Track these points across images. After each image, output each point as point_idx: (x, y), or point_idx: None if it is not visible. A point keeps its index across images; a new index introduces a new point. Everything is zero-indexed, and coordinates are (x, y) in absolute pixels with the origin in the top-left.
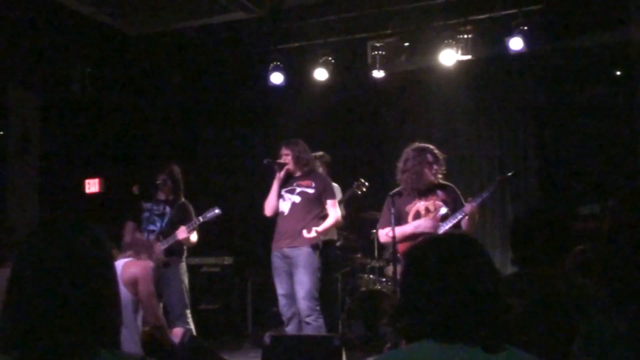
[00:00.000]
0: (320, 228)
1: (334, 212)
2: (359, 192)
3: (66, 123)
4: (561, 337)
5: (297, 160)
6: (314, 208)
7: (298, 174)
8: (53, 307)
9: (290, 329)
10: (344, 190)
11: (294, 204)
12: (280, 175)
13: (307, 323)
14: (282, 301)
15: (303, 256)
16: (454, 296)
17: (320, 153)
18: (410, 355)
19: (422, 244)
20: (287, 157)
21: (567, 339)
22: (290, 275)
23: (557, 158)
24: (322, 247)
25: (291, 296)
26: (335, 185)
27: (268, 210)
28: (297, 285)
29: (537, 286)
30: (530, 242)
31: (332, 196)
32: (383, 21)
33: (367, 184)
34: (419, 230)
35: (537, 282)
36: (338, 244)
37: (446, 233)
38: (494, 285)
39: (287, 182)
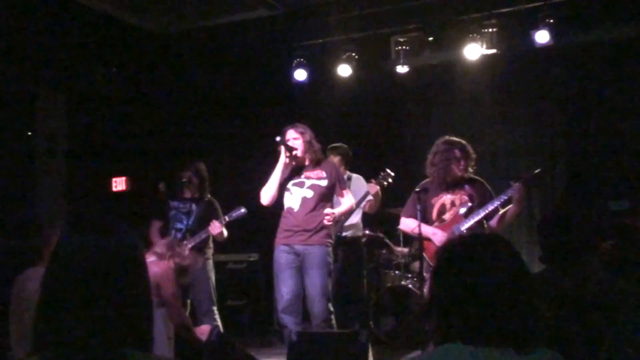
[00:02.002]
0: (337, 211)
1: (349, 198)
2: (385, 184)
3: (93, 122)
4: (592, 334)
5: (308, 145)
6: (327, 203)
7: (306, 162)
8: (86, 309)
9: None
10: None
11: (305, 199)
12: (286, 160)
13: (322, 326)
14: (285, 302)
15: (318, 256)
16: (485, 298)
17: (337, 144)
18: (440, 359)
19: (453, 244)
20: (296, 142)
21: (598, 336)
22: (300, 273)
23: (585, 153)
24: (349, 243)
25: (298, 297)
26: (356, 176)
27: (266, 198)
28: (311, 287)
29: (567, 284)
30: (559, 239)
31: (346, 186)
32: (406, 16)
33: (392, 174)
34: (434, 239)
35: (567, 280)
36: (363, 240)
37: (477, 233)
38: (526, 286)
39: (294, 173)
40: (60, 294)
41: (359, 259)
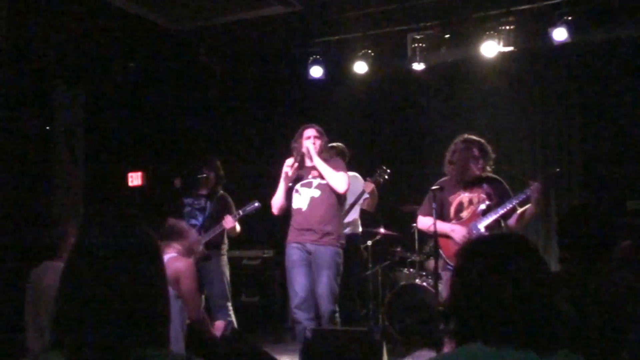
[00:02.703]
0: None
1: (339, 174)
2: (381, 180)
3: (110, 117)
4: (614, 334)
5: (325, 146)
6: (334, 200)
7: (311, 163)
8: (105, 304)
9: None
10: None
11: (313, 199)
12: (290, 173)
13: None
14: (299, 299)
15: (329, 257)
16: (508, 298)
17: (335, 144)
18: (459, 359)
19: (476, 243)
20: (316, 140)
21: (619, 336)
22: (311, 270)
23: (602, 152)
24: (347, 241)
25: (311, 293)
26: (353, 174)
27: (276, 209)
28: (320, 286)
29: (587, 283)
30: (578, 238)
31: (343, 171)
32: (423, 13)
33: (388, 170)
34: (453, 235)
35: (587, 279)
36: (377, 237)
37: (500, 233)
38: (549, 287)
39: (299, 174)
40: (79, 289)
41: (356, 257)
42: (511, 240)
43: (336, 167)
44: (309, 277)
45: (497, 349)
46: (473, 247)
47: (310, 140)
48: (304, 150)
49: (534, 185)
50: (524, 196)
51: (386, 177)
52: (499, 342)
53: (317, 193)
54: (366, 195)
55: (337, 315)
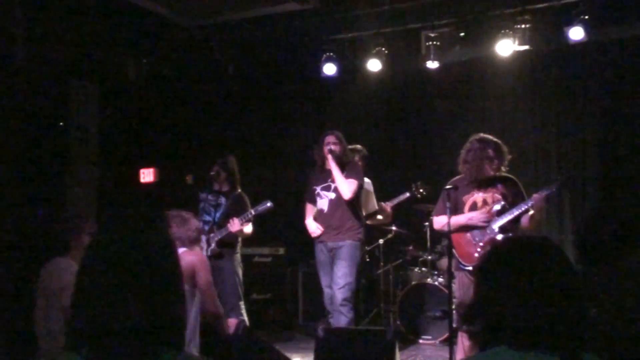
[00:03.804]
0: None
1: (348, 182)
2: (418, 195)
3: (123, 113)
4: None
5: (344, 151)
6: (351, 201)
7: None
8: (121, 303)
9: (333, 322)
10: (375, 185)
11: (331, 201)
12: (312, 203)
13: (340, 312)
14: (327, 294)
15: (346, 248)
16: (533, 301)
17: (357, 147)
18: None
19: (501, 245)
20: (336, 146)
21: None
22: (333, 268)
23: (619, 151)
24: None
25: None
26: (367, 180)
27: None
28: (336, 276)
29: (611, 287)
30: (599, 241)
31: (356, 178)
32: (438, 11)
33: (426, 186)
34: (472, 222)
35: (608, 281)
36: (389, 235)
37: (525, 235)
38: (576, 290)
39: (321, 177)
40: (94, 288)
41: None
42: (539, 242)
43: (350, 174)
44: (330, 276)
45: (523, 353)
46: (499, 249)
47: (329, 146)
48: (325, 154)
49: (534, 197)
50: (526, 206)
51: (422, 191)
52: (525, 346)
53: (333, 196)
54: (379, 217)
55: (350, 306)
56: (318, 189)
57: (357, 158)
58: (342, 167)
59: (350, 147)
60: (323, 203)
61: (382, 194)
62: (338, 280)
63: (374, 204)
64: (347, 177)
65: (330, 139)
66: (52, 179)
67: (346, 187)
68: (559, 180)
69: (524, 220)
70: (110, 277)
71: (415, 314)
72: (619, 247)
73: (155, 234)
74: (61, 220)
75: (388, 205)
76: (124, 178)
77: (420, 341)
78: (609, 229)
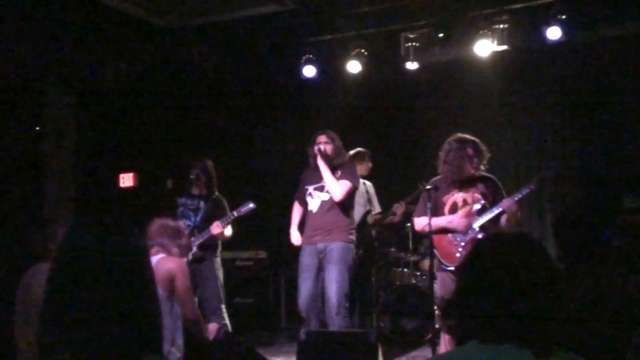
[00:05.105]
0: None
1: (342, 184)
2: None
3: (100, 117)
4: (617, 335)
5: (337, 150)
6: (342, 203)
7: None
8: (92, 309)
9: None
10: (375, 186)
11: (323, 202)
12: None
13: (334, 320)
14: (304, 299)
15: (337, 251)
16: (508, 295)
17: (362, 150)
18: (455, 358)
19: (482, 242)
20: (327, 146)
21: (622, 337)
22: (320, 272)
23: (597, 150)
24: None
25: (316, 294)
26: (369, 184)
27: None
28: (328, 281)
29: (588, 283)
30: (574, 238)
31: (351, 180)
32: (416, 12)
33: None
34: (451, 226)
35: (587, 280)
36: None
37: (506, 232)
38: (552, 286)
39: (315, 177)
40: (64, 295)
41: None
42: (517, 237)
43: (344, 175)
44: (313, 282)
45: (493, 347)
46: (480, 245)
47: (319, 146)
48: (315, 152)
49: (504, 202)
50: (497, 211)
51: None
52: (497, 340)
53: (326, 197)
54: (392, 217)
55: (346, 312)
56: (310, 189)
57: (366, 162)
58: (333, 167)
59: (355, 150)
60: (314, 204)
61: None
62: (330, 286)
63: (376, 206)
64: (340, 178)
65: (321, 138)
66: (28, 184)
67: (337, 188)
68: (534, 181)
69: (502, 220)
70: (78, 282)
71: (398, 315)
72: (595, 246)
73: (121, 239)
74: (39, 225)
75: (398, 208)
76: (103, 183)
77: (403, 342)
78: (584, 228)
